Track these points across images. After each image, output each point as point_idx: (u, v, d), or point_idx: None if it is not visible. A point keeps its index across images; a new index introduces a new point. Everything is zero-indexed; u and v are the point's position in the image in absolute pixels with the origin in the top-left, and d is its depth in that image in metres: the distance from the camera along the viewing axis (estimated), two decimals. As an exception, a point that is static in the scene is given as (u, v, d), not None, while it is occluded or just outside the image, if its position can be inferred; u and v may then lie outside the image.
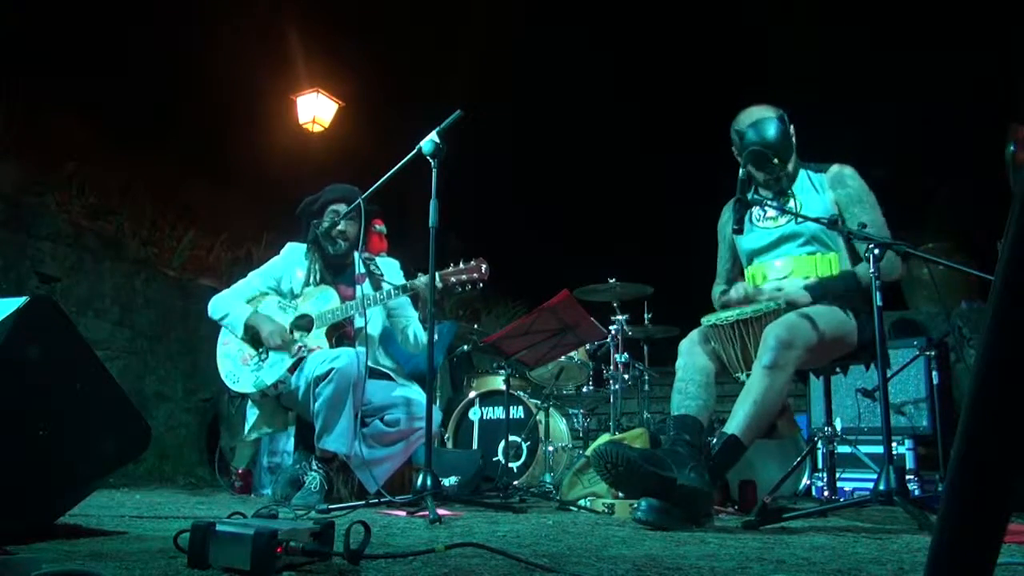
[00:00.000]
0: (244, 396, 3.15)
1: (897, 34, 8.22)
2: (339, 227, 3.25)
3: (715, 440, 2.43)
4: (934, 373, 4.40)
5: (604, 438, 3.05)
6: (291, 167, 7.71)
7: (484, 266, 2.95)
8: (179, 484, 4.23)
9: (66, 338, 1.64)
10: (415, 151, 2.74)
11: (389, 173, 2.86)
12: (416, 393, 3.13)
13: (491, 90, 8.89)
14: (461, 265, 2.96)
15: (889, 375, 3.42)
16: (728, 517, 2.74)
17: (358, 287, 3.10)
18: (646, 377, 4.52)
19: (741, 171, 2.71)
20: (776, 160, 2.69)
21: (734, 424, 2.31)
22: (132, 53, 7.35)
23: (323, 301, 3.16)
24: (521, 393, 4.43)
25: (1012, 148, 1.04)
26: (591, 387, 4.59)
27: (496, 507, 2.82)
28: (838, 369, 2.76)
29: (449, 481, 3.55)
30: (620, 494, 2.69)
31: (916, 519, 2.12)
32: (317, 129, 8.55)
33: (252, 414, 3.17)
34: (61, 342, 1.62)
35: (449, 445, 4.45)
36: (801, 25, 8.32)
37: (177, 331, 5.08)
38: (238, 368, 3.12)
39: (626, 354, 4.22)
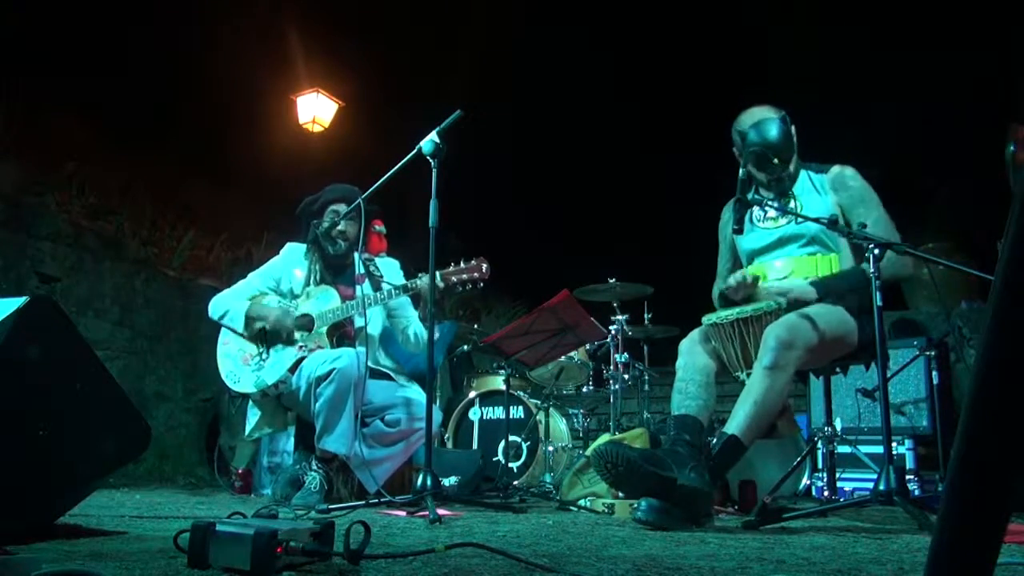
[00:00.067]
0: (245, 396, 3.14)
1: (897, 34, 8.22)
2: (339, 227, 3.25)
3: (715, 440, 2.43)
4: (934, 373, 4.40)
5: (604, 438, 3.05)
6: (291, 167, 7.71)
7: (485, 265, 2.95)
8: (179, 484, 4.23)
9: (66, 338, 1.64)
10: (415, 151, 2.74)
11: (389, 173, 2.86)
12: (416, 393, 3.13)
13: (491, 90, 8.89)
14: (462, 264, 2.97)
15: (889, 375, 3.42)
16: (728, 517, 2.74)
17: (358, 287, 3.10)
18: (646, 377, 4.52)
19: (741, 171, 2.71)
20: (777, 161, 2.69)
21: (734, 424, 2.31)
22: (132, 53, 7.35)
23: (324, 301, 3.16)
24: (521, 393, 4.43)
25: (1012, 148, 1.03)
26: (591, 387, 4.59)
27: (496, 507, 2.82)
28: (838, 369, 2.76)
29: (449, 481, 3.55)
30: (620, 494, 2.69)
31: (916, 519, 2.12)
32: (317, 129, 8.55)
33: (253, 414, 3.17)
34: (61, 342, 1.62)
35: (449, 445, 4.45)
36: (801, 25, 8.32)
37: (177, 331, 5.08)
38: (239, 368, 3.12)
39: (626, 354, 4.22)
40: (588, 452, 2.94)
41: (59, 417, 1.56)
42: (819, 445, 3.15)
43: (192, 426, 4.96)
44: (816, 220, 2.55)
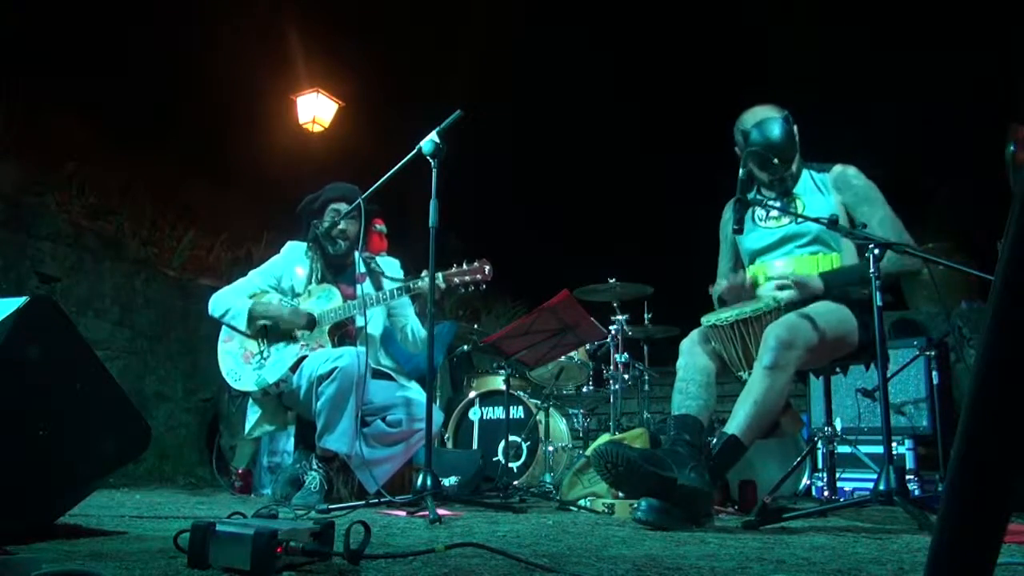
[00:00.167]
0: (245, 394, 3.14)
1: (897, 34, 8.22)
2: (339, 226, 3.25)
3: (715, 440, 2.42)
4: (934, 373, 4.40)
5: (604, 438, 3.05)
6: (291, 167, 7.71)
7: (488, 267, 2.95)
8: (179, 484, 4.23)
9: (66, 338, 1.64)
10: (415, 151, 2.74)
11: (389, 173, 2.86)
12: (417, 393, 3.13)
13: (491, 90, 8.89)
14: (465, 266, 2.97)
15: (889, 375, 3.42)
16: (728, 517, 2.74)
17: (358, 286, 3.10)
18: (646, 377, 4.52)
19: (741, 171, 2.71)
20: (779, 160, 2.69)
21: (734, 424, 2.31)
22: (132, 53, 7.35)
23: (325, 300, 3.16)
24: (521, 393, 4.43)
25: (1012, 148, 1.03)
26: (591, 387, 4.59)
27: (496, 507, 2.82)
28: (838, 369, 2.76)
29: (449, 481, 3.55)
30: (620, 494, 2.69)
31: (916, 519, 2.12)
32: (317, 129, 8.55)
33: (253, 413, 3.17)
34: (61, 342, 1.62)
35: (449, 445, 4.45)
36: (801, 25, 8.32)
37: (177, 331, 5.08)
38: (240, 366, 3.11)
39: (626, 354, 4.22)
40: (588, 452, 2.94)
41: (59, 417, 1.56)
42: (819, 445, 3.16)
43: (192, 426, 4.96)
44: (816, 220, 2.55)
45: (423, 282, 2.95)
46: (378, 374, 3.14)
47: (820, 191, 2.72)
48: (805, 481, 4.00)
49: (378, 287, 3.17)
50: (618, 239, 9.80)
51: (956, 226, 6.45)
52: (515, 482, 3.98)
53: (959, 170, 6.94)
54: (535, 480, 4.11)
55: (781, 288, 2.56)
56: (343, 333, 3.17)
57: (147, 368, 4.84)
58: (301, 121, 8.53)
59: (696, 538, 1.90)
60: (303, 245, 3.33)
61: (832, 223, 2.47)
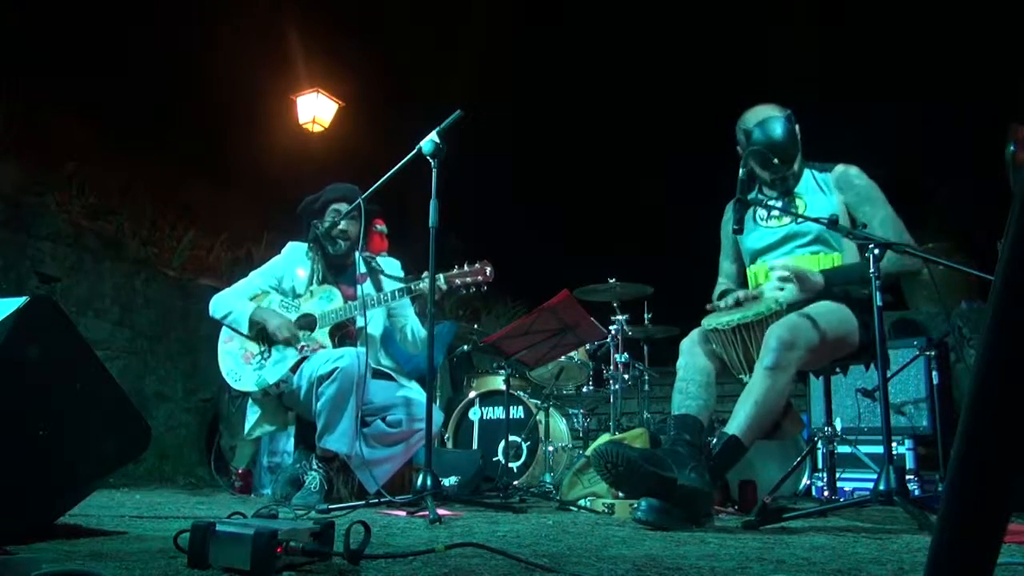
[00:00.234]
0: (245, 395, 3.14)
1: (897, 34, 8.22)
2: (340, 227, 3.25)
3: (715, 440, 2.42)
4: (934, 373, 4.40)
5: (604, 438, 3.05)
6: (291, 167, 7.71)
7: (489, 268, 2.95)
8: (179, 484, 4.23)
9: (66, 338, 1.64)
10: (415, 151, 2.74)
11: (389, 173, 2.86)
12: (417, 393, 3.13)
13: (491, 90, 8.89)
14: (466, 267, 2.97)
15: (889, 375, 3.42)
16: (728, 517, 2.74)
17: (359, 287, 3.10)
18: (646, 377, 4.52)
19: (741, 171, 2.70)
20: (780, 160, 2.69)
21: (735, 425, 2.31)
22: (132, 53, 7.35)
23: (326, 301, 3.16)
24: (521, 393, 4.43)
25: (1012, 148, 1.03)
26: (591, 387, 4.59)
27: (496, 507, 2.82)
28: (838, 369, 2.76)
29: (449, 481, 3.55)
30: (620, 494, 2.69)
31: (916, 519, 2.12)
32: (317, 129, 8.55)
33: (253, 413, 3.17)
34: (61, 342, 1.62)
35: (449, 445, 4.45)
36: (801, 25, 8.32)
37: (177, 331, 5.08)
38: (240, 366, 3.11)
39: (626, 354, 4.22)
40: (588, 452, 2.94)
41: (59, 417, 1.56)
42: (819, 445, 3.15)
43: (192, 426, 4.96)
44: (816, 220, 2.54)
45: (424, 283, 2.95)
46: (378, 374, 3.14)
47: (822, 191, 2.72)
48: (805, 481, 4.00)
49: (379, 287, 3.17)
50: (618, 239, 9.81)
51: (956, 226, 6.45)
52: (515, 482, 3.98)
53: (959, 170, 6.94)
54: (535, 480, 4.11)
55: (783, 280, 2.55)
56: (344, 334, 3.17)
57: (147, 368, 4.84)
58: (301, 121, 8.53)
59: (696, 538, 1.90)
60: (304, 246, 3.33)
61: (832, 223, 2.47)
